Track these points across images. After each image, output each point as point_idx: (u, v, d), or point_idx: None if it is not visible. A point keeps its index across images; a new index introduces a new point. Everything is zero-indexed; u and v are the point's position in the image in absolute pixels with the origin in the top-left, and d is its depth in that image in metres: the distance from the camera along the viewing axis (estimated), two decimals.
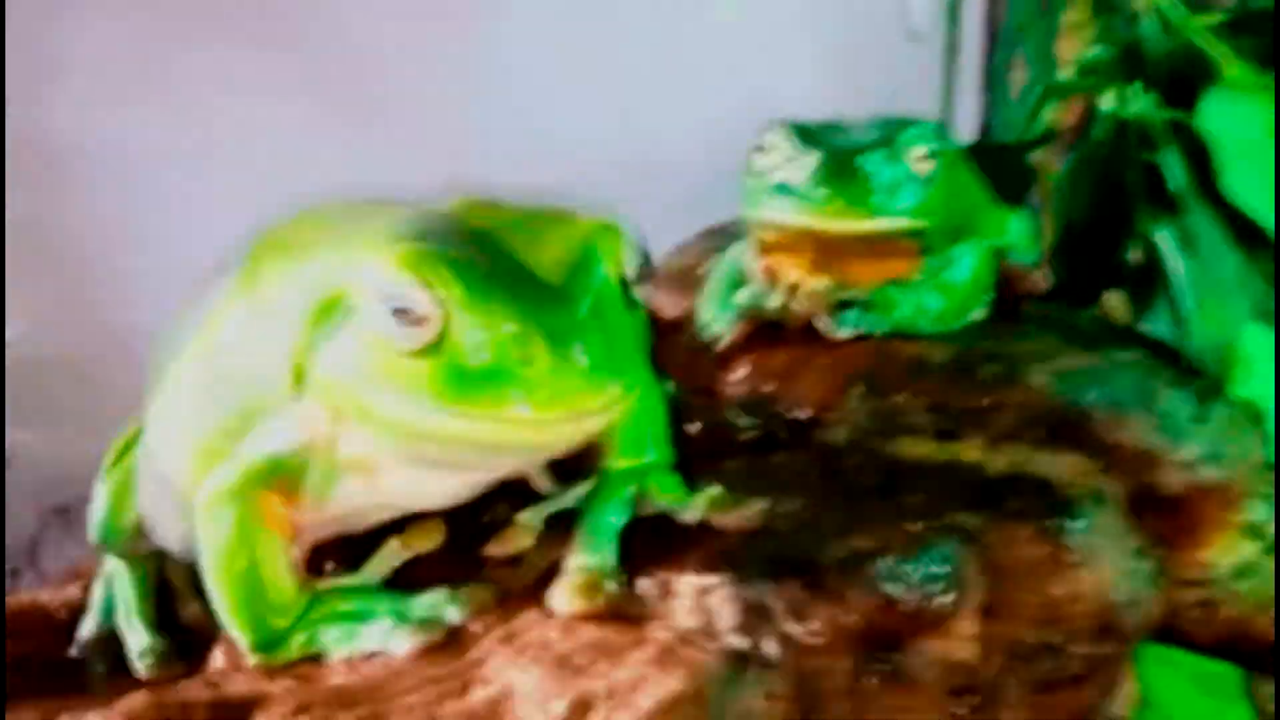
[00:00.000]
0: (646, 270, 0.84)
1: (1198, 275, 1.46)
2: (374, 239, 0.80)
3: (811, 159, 1.10)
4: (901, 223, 1.12)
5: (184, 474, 0.92)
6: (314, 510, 0.87)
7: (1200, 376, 1.23)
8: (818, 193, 1.09)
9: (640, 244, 0.84)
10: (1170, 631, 1.04)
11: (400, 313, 0.77)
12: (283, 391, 0.85)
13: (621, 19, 1.78)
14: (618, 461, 0.93)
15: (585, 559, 0.87)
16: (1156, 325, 1.49)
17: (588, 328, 0.77)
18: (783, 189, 1.11)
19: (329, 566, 0.93)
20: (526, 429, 0.78)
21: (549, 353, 0.76)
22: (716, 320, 1.20)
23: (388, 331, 0.78)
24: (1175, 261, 1.47)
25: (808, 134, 1.13)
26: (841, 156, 1.10)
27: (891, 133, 1.13)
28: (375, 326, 0.78)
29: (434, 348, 0.77)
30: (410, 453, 0.83)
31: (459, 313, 0.77)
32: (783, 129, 1.13)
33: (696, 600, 0.84)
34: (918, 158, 1.12)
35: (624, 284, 0.82)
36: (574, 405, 0.77)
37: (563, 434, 0.80)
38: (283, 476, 0.86)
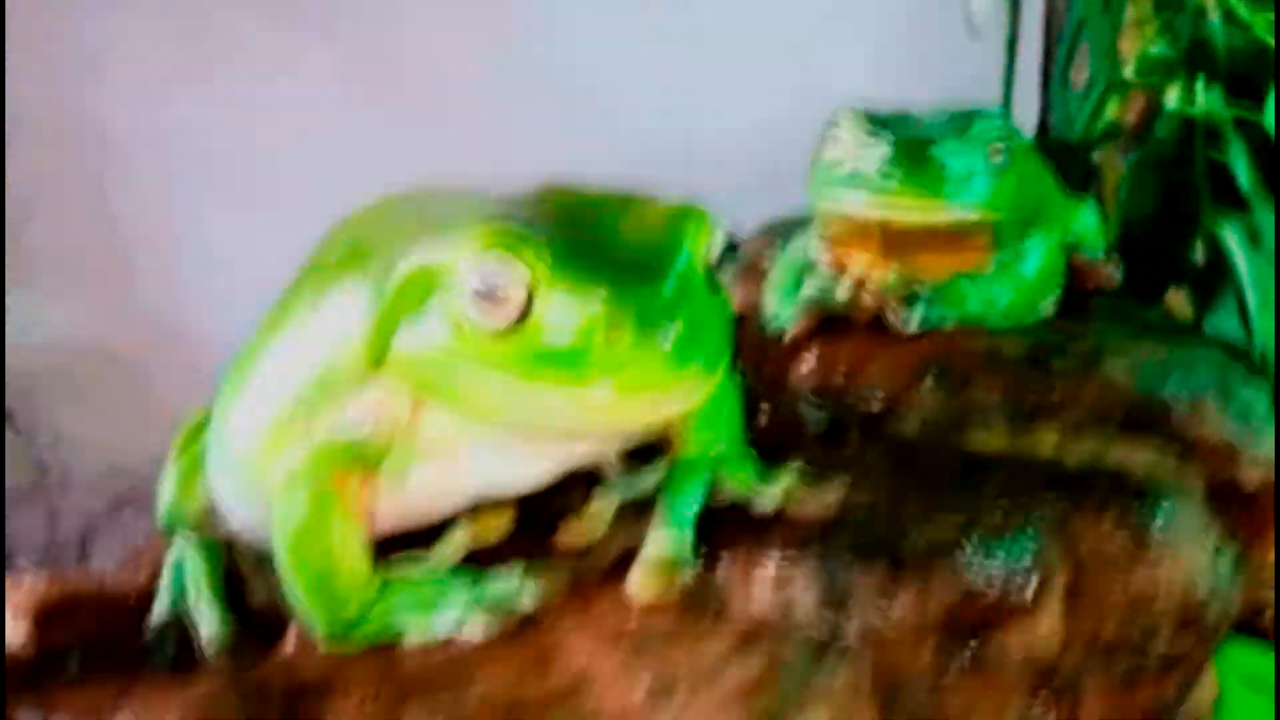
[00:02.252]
0: (731, 254, 0.83)
1: (1263, 273, 1.44)
2: (461, 220, 0.80)
3: (883, 147, 1.09)
4: (974, 213, 1.11)
5: (255, 456, 0.92)
6: (391, 492, 0.86)
7: (1265, 374, 1.22)
8: (890, 181, 1.08)
9: (725, 229, 0.83)
10: (1251, 628, 1.02)
11: (486, 291, 0.77)
12: (359, 371, 0.85)
13: (680, 9, 1.78)
14: (692, 448, 0.92)
15: (660, 543, 0.86)
16: (1220, 323, 1.47)
17: (673, 309, 0.77)
18: (853, 178, 1.11)
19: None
20: (608, 408, 0.77)
21: (634, 334, 0.75)
22: (782, 312, 1.19)
23: (473, 309, 0.77)
24: (1241, 259, 1.46)
25: (878, 122, 1.12)
26: (914, 145, 1.09)
27: (964, 122, 1.13)
28: (461, 304, 0.78)
29: (519, 327, 0.77)
30: (491, 434, 0.83)
31: (544, 292, 0.76)
32: (853, 116, 1.12)
33: (776, 585, 0.83)
34: (991, 147, 1.11)
35: (709, 268, 0.82)
36: (656, 387, 0.76)
37: (644, 414, 0.80)
38: (360, 457, 0.85)
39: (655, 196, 0.84)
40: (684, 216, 0.82)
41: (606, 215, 0.82)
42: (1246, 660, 1.03)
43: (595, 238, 0.80)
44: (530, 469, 0.87)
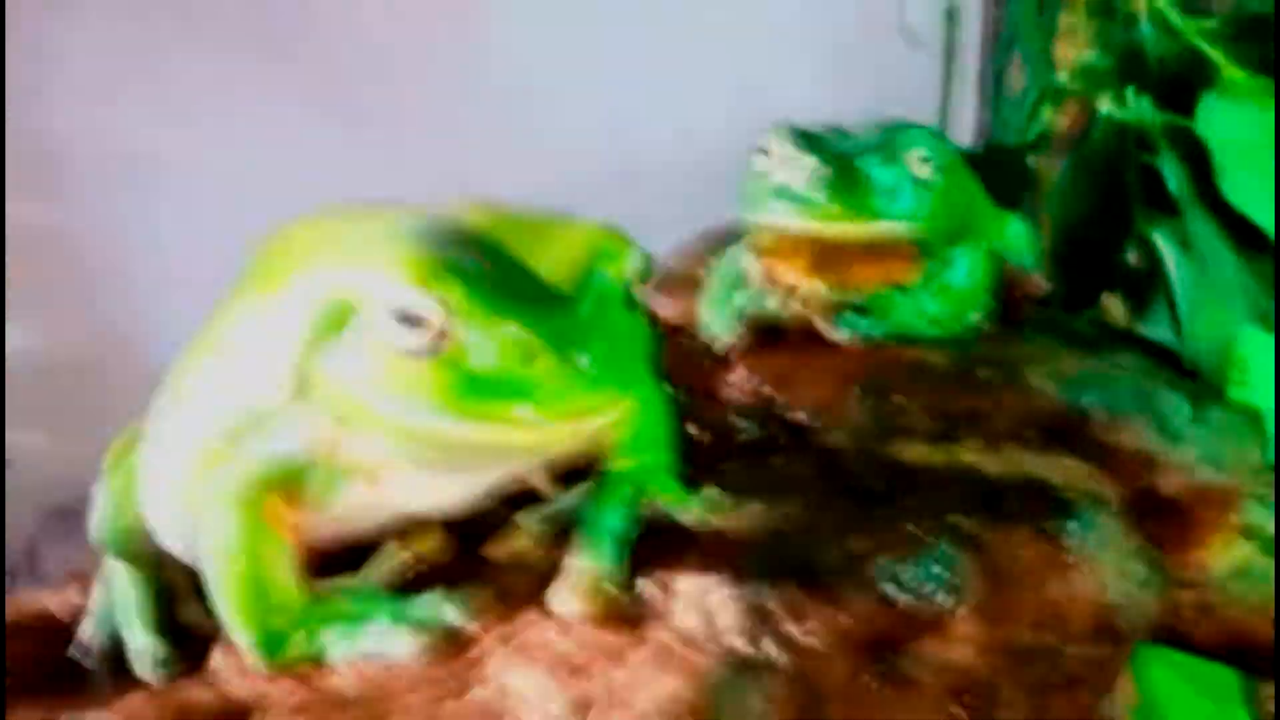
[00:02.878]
0: (649, 274, 0.84)
1: (1196, 278, 1.46)
2: (380, 246, 0.81)
3: (811, 163, 1.11)
4: (901, 227, 1.12)
5: (186, 476, 0.92)
6: (317, 514, 0.87)
7: (1198, 379, 1.24)
8: (818, 196, 1.10)
9: (642, 248, 0.84)
10: (1168, 633, 1.04)
11: (405, 319, 0.77)
12: (285, 395, 0.86)
13: (618, 24, 1.79)
14: (619, 464, 0.94)
15: (586, 560, 0.87)
16: (1155, 328, 1.49)
17: (590, 331, 0.78)
18: (783, 192, 1.12)
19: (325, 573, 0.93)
20: (530, 433, 0.78)
21: (553, 357, 0.76)
22: (716, 323, 1.20)
23: (392, 336, 0.78)
24: (1173, 265, 1.47)
25: (808, 138, 1.13)
26: (841, 160, 1.11)
27: (891, 137, 1.14)
28: (380, 332, 0.79)
29: (439, 353, 0.78)
30: (414, 457, 0.84)
31: (463, 319, 0.77)
32: (783, 132, 1.14)
33: (696, 602, 0.84)
34: (917, 162, 1.13)
35: (627, 288, 0.83)
36: (577, 409, 0.77)
37: (566, 437, 0.81)
38: (285, 479, 0.86)
39: (572, 218, 0.85)
40: (600, 238, 0.83)
41: (525, 238, 0.82)
42: (1166, 667, 1.05)
43: (512, 261, 0.80)
44: (454, 492, 0.88)
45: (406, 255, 0.79)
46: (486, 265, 0.79)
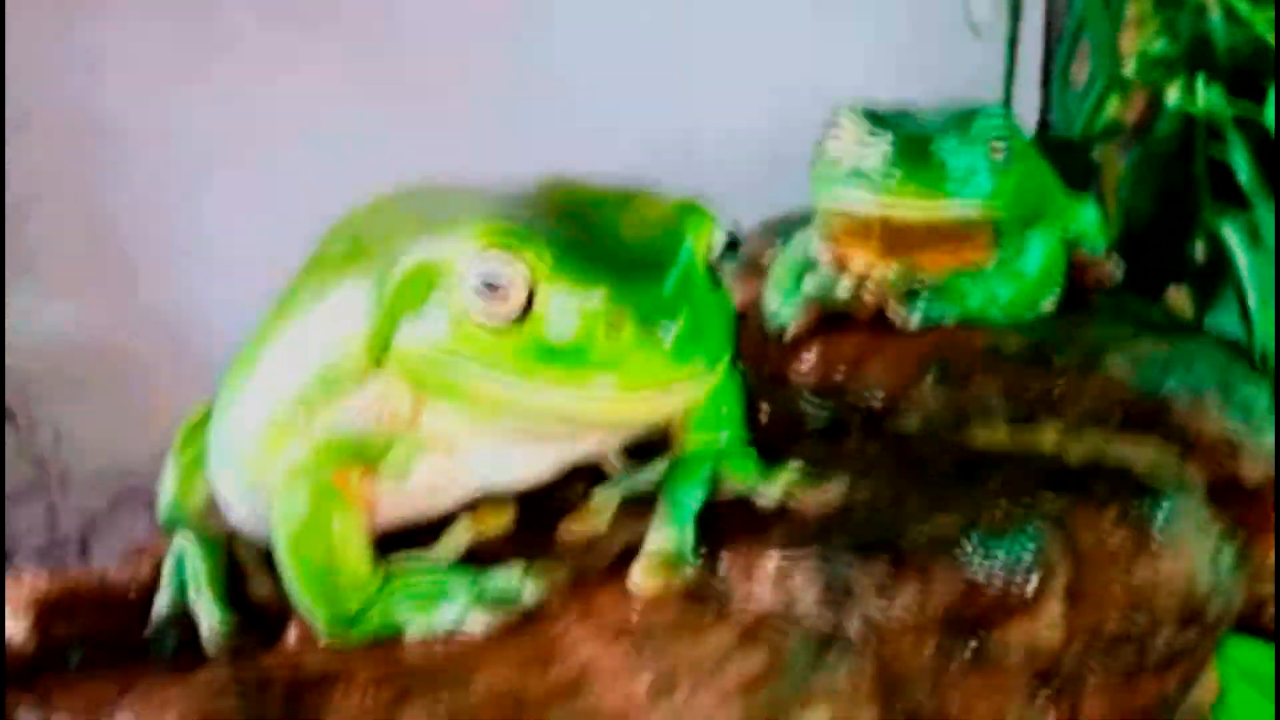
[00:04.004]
0: (732, 249, 0.83)
1: (1264, 270, 1.44)
2: (461, 217, 0.80)
3: (885, 143, 1.09)
4: (975, 209, 1.11)
5: (257, 452, 0.92)
6: (392, 488, 0.86)
7: (1265, 372, 1.22)
8: (891, 177, 1.08)
9: (726, 223, 0.83)
10: (1252, 624, 1.02)
11: (488, 286, 0.77)
12: (361, 366, 0.85)
13: (684, 12, 1.78)
14: (694, 441, 0.93)
15: (663, 538, 0.86)
16: (1221, 321, 1.47)
17: (674, 304, 0.77)
18: (856, 174, 1.11)
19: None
20: (609, 404, 0.77)
21: (634, 328, 0.75)
22: (783, 309, 1.19)
23: (475, 305, 0.77)
24: (1241, 256, 1.46)
25: (879, 118, 1.12)
26: (915, 141, 1.10)
27: (964, 119, 1.13)
28: (463, 300, 0.78)
29: (520, 321, 0.77)
30: (492, 428, 0.83)
31: (546, 287, 0.76)
32: (855, 113, 1.13)
33: (777, 580, 0.83)
34: (992, 143, 1.11)
35: (710, 263, 0.82)
36: (657, 381, 0.76)
37: (645, 410, 0.80)
38: (361, 452, 0.85)
39: (656, 193, 0.84)
40: (685, 213, 0.82)
41: (607, 211, 0.82)
42: (1248, 657, 1.03)
43: (596, 234, 0.80)
44: (532, 465, 0.87)
45: (489, 223, 0.78)
46: (570, 233, 0.79)
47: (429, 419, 0.84)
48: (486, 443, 0.85)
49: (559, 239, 0.78)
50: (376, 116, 1.74)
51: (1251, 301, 1.43)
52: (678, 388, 0.77)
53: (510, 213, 0.81)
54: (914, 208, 1.09)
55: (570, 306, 0.76)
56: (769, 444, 0.98)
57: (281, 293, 0.97)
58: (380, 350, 0.84)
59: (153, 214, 1.75)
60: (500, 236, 0.77)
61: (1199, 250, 1.51)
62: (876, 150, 1.10)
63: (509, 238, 0.77)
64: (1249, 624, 1.03)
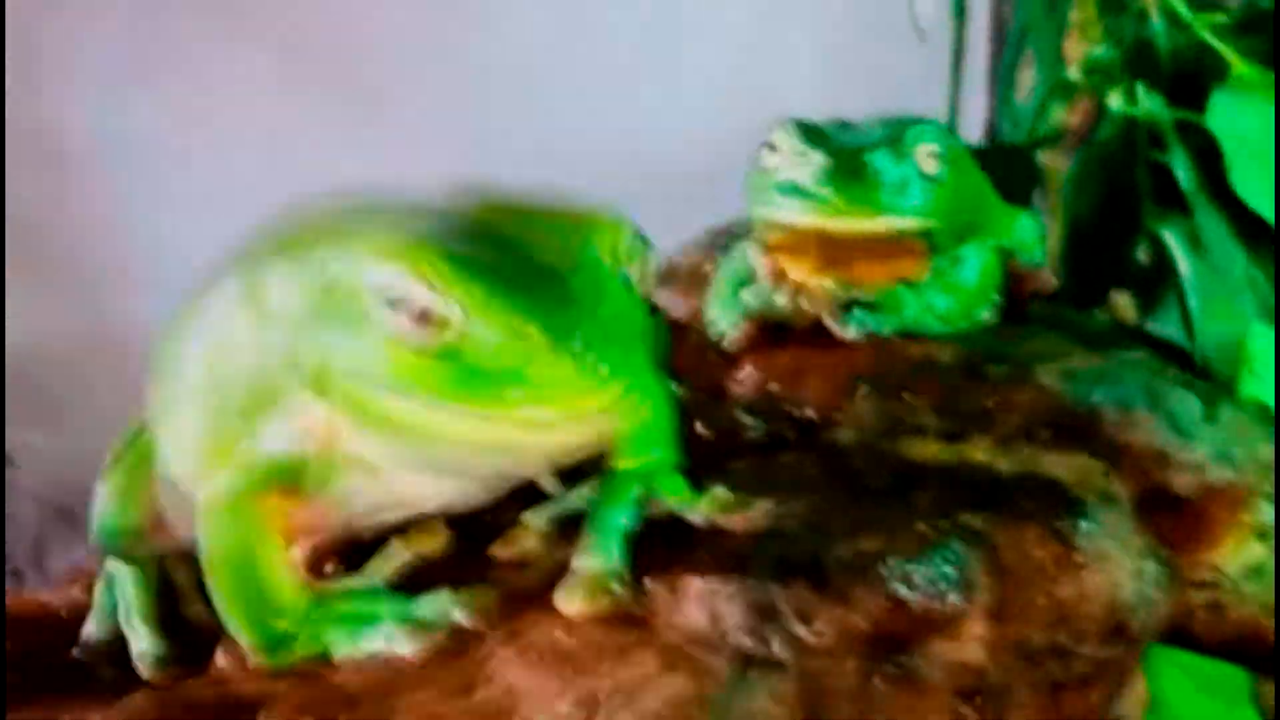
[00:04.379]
0: (654, 268, 0.83)
1: (1206, 275, 1.45)
2: (382, 237, 0.80)
3: (818, 158, 1.10)
4: (909, 222, 1.11)
5: (190, 474, 0.92)
6: (317, 511, 0.86)
7: (1208, 377, 1.23)
8: (825, 191, 1.09)
9: (648, 241, 0.83)
10: (1179, 633, 1.03)
11: (408, 310, 0.77)
12: (286, 391, 0.85)
13: (625, 16, 1.78)
14: (624, 462, 0.92)
15: (592, 560, 0.86)
16: (1164, 325, 1.48)
17: (595, 326, 0.77)
18: (789, 188, 1.11)
19: (328, 569, 0.92)
20: (535, 429, 0.77)
21: (557, 352, 0.75)
22: (723, 319, 1.20)
23: (395, 331, 0.77)
24: (1183, 261, 1.47)
25: (814, 133, 1.12)
26: (848, 155, 1.10)
27: (898, 131, 1.13)
28: (383, 326, 0.78)
29: (441, 347, 0.77)
30: (416, 454, 0.83)
31: (467, 312, 0.76)
32: (789, 127, 1.13)
33: (703, 601, 0.83)
34: (925, 156, 1.12)
35: (631, 282, 0.82)
36: (582, 405, 0.76)
37: (571, 434, 0.79)
38: (284, 476, 0.85)
39: (579, 207, 0.84)
40: (607, 229, 0.82)
41: (529, 228, 0.81)
42: (1178, 665, 1.04)
43: (517, 253, 0.79)
44: (459, 487, 0.87)
45: (409, 247, 0.78)
46: (490, 256, 0.78)
47: (353, 442, 0.84)
48: (411, 466, 0.85)
49: (479, 261, 0.77)
50: (332, 122, 1.73)
51: (1192, 306, 1.44)
52: (599, 406, 0.76)
53: (432, 233, 0.80)
54: (848, 222, 1.10)
55: (490, 330, 0.76)
56: (705, 458, 0.98)
57: (201, 294, 0.95)
58: (303, 375, 0.83)
59: (101, 222, 1.75)
60: (420, 261, 0.77)
61: (1142, 255, 1.52)
62: (810, 164, 1.10)
63: (429, 263, 0.77)
64: (1180, 634, 1.04)
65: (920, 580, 0.85)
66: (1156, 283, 1.50)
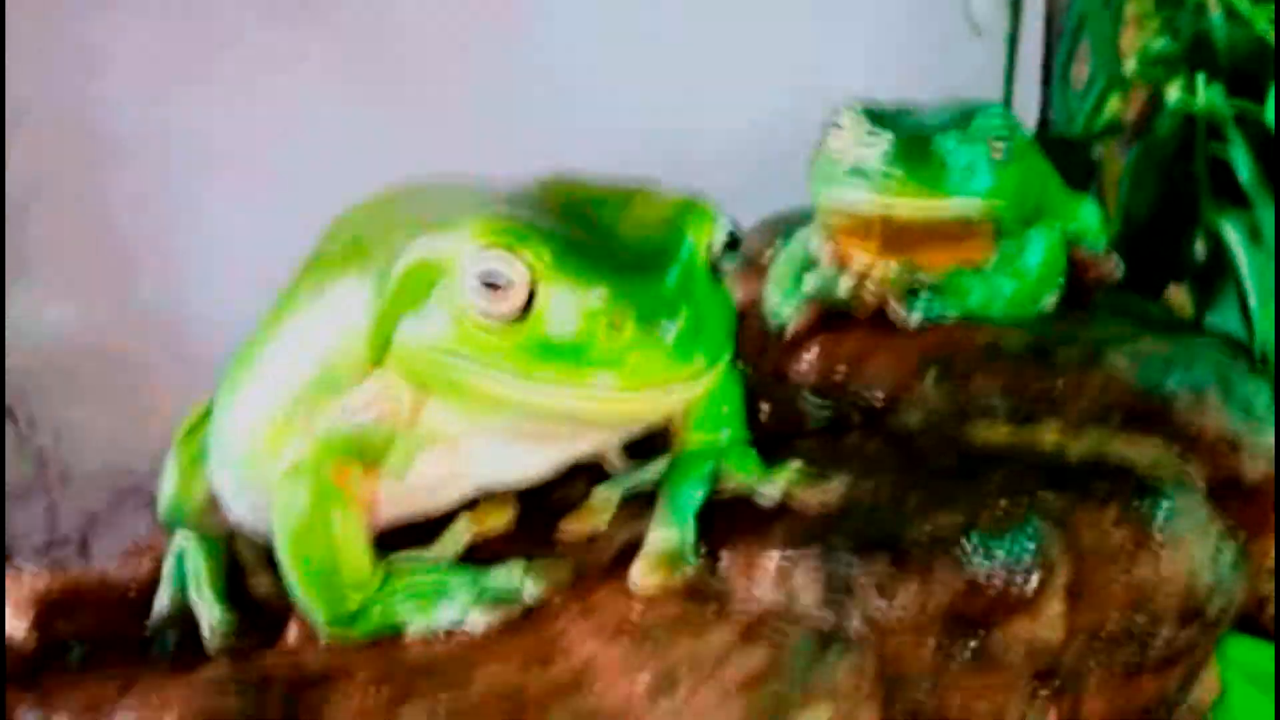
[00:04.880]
0: (734, 246, 0.83)
1: (1265, 269, 1.44)
2: (461, 214, 0.80)
3: (885, 141, 1.09)
4: (976, 205, 1.11)
5: (257, 449, 0.92)
6: (393, 485, 0.86)
7: (1267, 371, 1.22)
8: (892, 174, 1.08)
9: (728, 219, 0.83)
10: (1253, 623, 1.02)
11: (488, 285, 0.77)
12: (361, 364, 0.85)
13: (681, 9, 1.78)
14: (695, 438, 0.92)
15: (664, 535, 0.86)
16: (1222, 320, 1.47)
17: (675, 301, 0.76)
18: (855, 171, 1.10)
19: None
20: (610, 403, 0.77)
21: (635, 326, 0.75)
22: (784, 306, 1.19)
23: (475, 302, 0.77)
24: (1242, 255, 1.46)
25: (880, 116, 1.12)
26: (916, 138, 1.09)
27: (965, 115, 1.13)
28: (463, 297, 0.78)
29: (520, 319, 0.77)
30: (493, 425, 0.83)
31: (546, 284, 0.76)
32: (856, 110, 1.12)
33: (779, 577, 0.83)
34: (992, 140, 1.11)
35: (711, 261, 0.82)
36: (658, 379, 0.76)
37: (646, 407, 0.80)
38: (361, 449, 0.85)
39: (657, 190, 0.84)
40: (686, 210, 0.82)
41: (608, 208, 0.82)
42: (1248, 655, 1.03)
43: (597, 231, 0.80)
44: (532, 462, 0.87)
45: (490, 220, 0.78)
46: (572, 231, 0.78)
47: (429, 416, 0.84)
48: (486, 440, 0.85)
49: (559, 237, 0.78)
50: (375, 114, 1.74)
51: (1252, 300, 1.43)
52: (678, 386, 0.77)
53: (510, 210, 0.81)
54: (914, 206, 1.09)
55: (570, 305, 0.76)
56: (770, 442, 0.98)
57: (281, 290, 0.97)
58: (380, 348, 0.83)
59: (151, 212, 1.75)
60: (500, 235, 0.77)
61: (1199, 248, 1.51)
62: (876, 148, 1.09)
63: (509, 236, 0.77)
64: (1250, 623, 1.03)
65: (1000, 558, 0.84)
66: (1214, 277, 1.49)
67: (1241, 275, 1.45)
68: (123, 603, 1.04)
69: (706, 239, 0.81)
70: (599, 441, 0.89)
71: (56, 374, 1.71)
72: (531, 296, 0.77)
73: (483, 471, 0.87)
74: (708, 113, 1.76)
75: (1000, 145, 1.11)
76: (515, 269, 0.76)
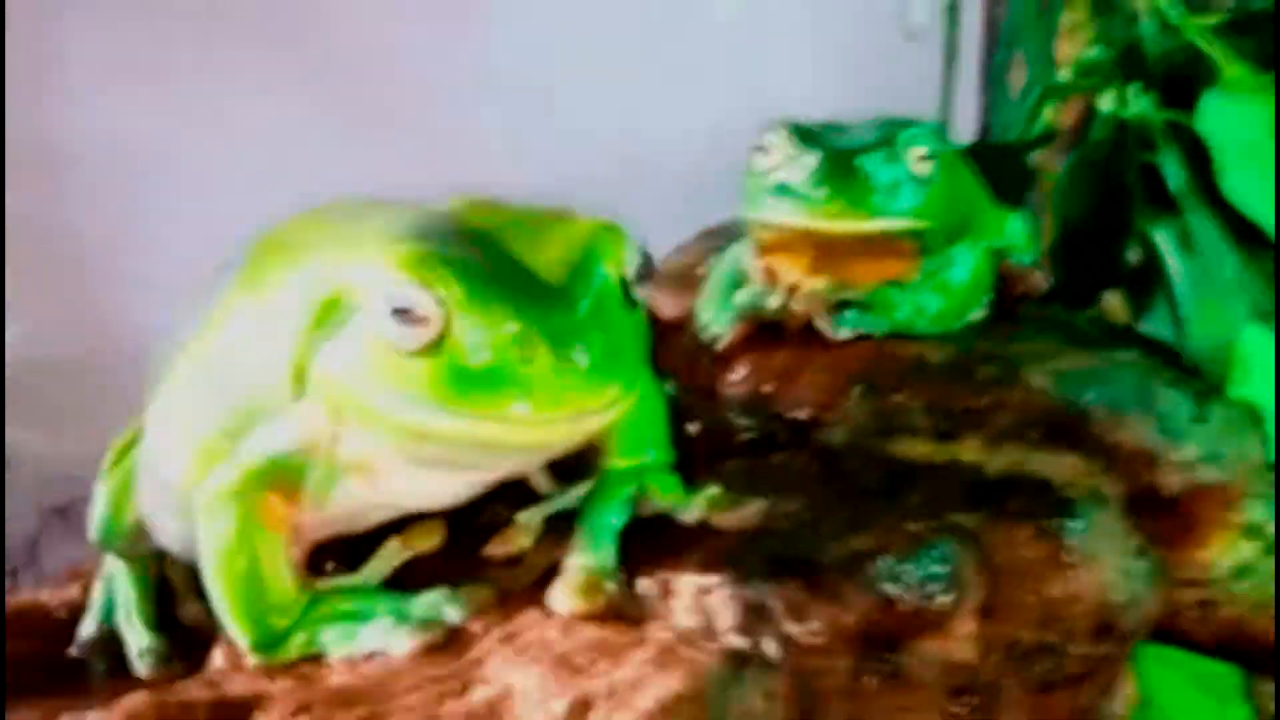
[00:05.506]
0: (647, 271, 0.84)
1: (1197, 276, 1.45)
2: (375, 239, 0.81)
3: (811, 159, 1.10)
4: (901, 223, 1.12)
5: (184, 474, 0.92)
6: (314, 510, 0.87)
7: (1199, 377, 1.23)
8: (818, 193, 1.09)
9: (641, 244, 0.84)
10: (1169, 631, 1.04)
11: (400, 313, 0.77)
12: (283, 392, 0.85)
13: (621, 19, 1.78)
14: (617, 461, 0.93)
15: (585, 559, 0.87)
16: (1155, 326, 1.49)
17: (588, 328, 0.77)
18: (783, 189, 1.11)
19: (329, 566, 0.93)
20: (526, 429, 0.78)
21: (549, 353, 0.76)
22: (716, 320, 1.20)
23: (388, 331, 0.78)
24: (1174, 262, 1.47)
25: (807, 134, 1.13)
26: (841, 157, 1.10)
27: (891, 133, 1.13)
28: (376, 326, 0.78)
29: (434, 348, 0.77)
30: (411, 453, 0.83)
31: (459, 313, 0.77)
32: (782, 129, 1.13)
33: (696, 600, 0.84)
34: (917, 158, 1.12)
35: (624, 284, 0.82)
36: (573, 405, 0.77)
37: (562, 434, 0.80)
38: (283, 476, 0.86)
39: (572, 214, 0.84)
40: (600, 235, 0.82)
41: (523, 233, 0.82)
42: (1168, 663, 1.05)
43: (511, 257, 0.80)
44: (452, 487, 0.88)
45: (403, 250, 0.79)
46: (484, 260, 0.79)
47: (348, 444, 0.85)
48: (405, 467, 0.85)
49: (471, 267, 0.78)
50: (336, 130, 1.74)
51: (1183, 306, 1.45)
52: (592, 413, 0.78)
53: (425, 237, 0.81)
54: (840, 223, 1.10)
55: (483, 335, 0.76)
56: (697, 458, 0.99)
57: (199, 314, 0.96)
58: (300, 376, 0.84)
59: (101, 226, 1.75)
60: (412, 267, 0.77)
61: (1133, 255, 1.52)
62: (803, 166, 1.10)
63: (422, 263, 0.78)
64: (1168, 632, 1.04)
65: (911, 579, 0.85)
66: (1147, 283, 1.51)
67: (1173, 281, 1.47)
68: (54, 626, 1.04)
69: (619, 262, 0.82)
70: (517, 466, 0.90)
71: (8, 388, 1.70)
72: (445, 325, 0.77)
73: (403, 497, 0.88)
74: (649, 122, 1.77)
75: (925, 163, 1.13)
76: (427, 301, 0.77)
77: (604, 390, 0.78)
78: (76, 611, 1.06)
